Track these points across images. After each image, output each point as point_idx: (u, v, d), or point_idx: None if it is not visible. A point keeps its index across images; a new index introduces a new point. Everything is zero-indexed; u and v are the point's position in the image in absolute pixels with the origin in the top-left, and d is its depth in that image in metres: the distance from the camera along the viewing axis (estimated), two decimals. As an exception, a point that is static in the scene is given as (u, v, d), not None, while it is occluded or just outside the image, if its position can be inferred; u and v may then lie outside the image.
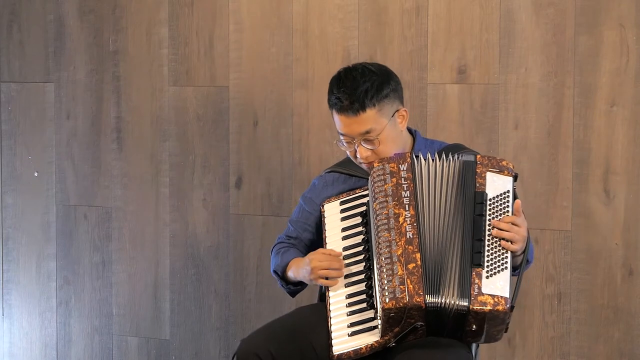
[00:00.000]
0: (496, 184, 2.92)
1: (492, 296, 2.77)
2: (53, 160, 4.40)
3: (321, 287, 3.22)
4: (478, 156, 2.95)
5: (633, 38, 3.56)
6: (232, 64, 4.09)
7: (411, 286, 2.79)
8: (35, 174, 4.44)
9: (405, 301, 2.77)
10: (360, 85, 3.00)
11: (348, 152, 3.13)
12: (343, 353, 2.89)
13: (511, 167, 2.96)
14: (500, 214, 2.88)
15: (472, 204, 2.88)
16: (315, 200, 3.21)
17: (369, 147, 3.04)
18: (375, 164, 3.00)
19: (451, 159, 2.96)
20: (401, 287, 2.78)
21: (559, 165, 3.67)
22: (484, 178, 2.91)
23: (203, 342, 4.21)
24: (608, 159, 3.62)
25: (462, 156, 2.97)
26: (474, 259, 2.81)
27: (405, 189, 2.93)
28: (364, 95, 3.00)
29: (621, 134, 3.60)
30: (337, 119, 3.05)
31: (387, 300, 2.78)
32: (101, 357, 4.38)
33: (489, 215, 2.87)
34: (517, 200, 2.90)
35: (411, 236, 2.86)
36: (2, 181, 4.51)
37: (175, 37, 4.17)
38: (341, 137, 3.08)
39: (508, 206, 2.90)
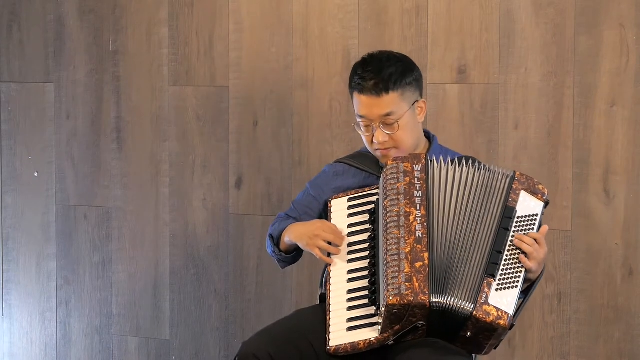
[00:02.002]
0: (527, 205, 2.92)
1: (497, 309, 2.77)
2: (53, 160, 4.40)
3: (321, 286, 3.22)
4: (517, 173, 2.95)
5: (633, 38, 3.56)
6: (232, 64, 4.09)
7: (417, 284, 2.78)
8: (35, 174, 4.44)
9: (410, 299, 2.77)
10: (385, 69, 3.06)
11: (364, 138, 3.13)
12: (340, 346, 2.88)
13: (546, 192, 2.96)
14: (523, 234, 2.89)
15: (500, 215, 2.88)
16: (322, 187, 3.21)
17: (387, 131, 3.06)
18: (389, 162, 3.00)
19: (480, 167, 2.96)
20: (407, 284, 2.78)
21: (559, 165, 3.67)
22: (518, 195, 2.91)
23: (203, 342, 4.21)
24: (608, 159, 3.62)
25: (497, 167, 2.97)
26: (488, 268, 2.81)
27: (417, 189, 2.93)
28: (389, 78, 3.05)
29: (621, 134, 3.60)
30: (358, 101, 3.08)
31: (392, 296, 2.77)
32: (101, 357, 4.38)
33: (513, 231, 2.87)
34: (544, 226, 2.91)
35: (420, 235, 2.86)
36: (2, 181, 4.51)
37: (175, 37, 4.17)
38: (359, 121, 3.10)
39: (533, 229, 2.89)
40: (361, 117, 3.08)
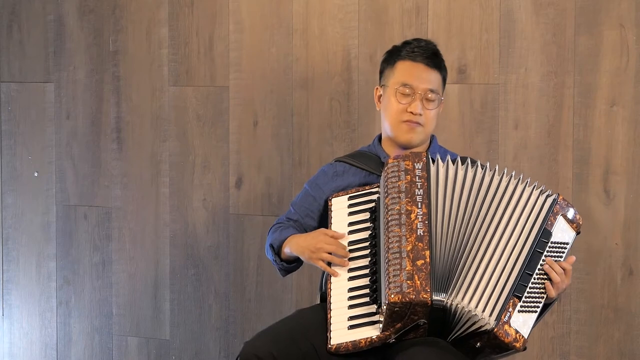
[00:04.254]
0: (561, 230, 2.91)
1: (516, 331, 2.78)
2: (53, 160, 4.40)
3: (321, 286, 3.22)
4: (561, 197, 2.93)
5: (633, 38, 3.56)
6: (232, 64, 4.09)
7: (418, 282, 2.78)
8: (35, 174, 4.44)
9: (411, 297, 2.77)
10: (437, 51, 3.21)
11: (396, 107, 3.13)
12: (341, 344, 2.88)
13: (581, 222, 2.95)
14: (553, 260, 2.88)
15: (535, 235, 2.86)
16: (322, 187, 3.21)
17: (427, 107, 3.12)
18: (390, 161, 3.00)
19: (486, 169, 2.97)
20: (408, 282, 2.78)
21: (559, 165, 3.67)
22: (556, 219, 2.90)
23: (203, 342, 4.21)
24: (608, 159, 3.62)
25: (535, 184, 2.95)
26: (516, 288, 2.80)
27: (419, 187, 2.93)
28: (441, 58, 3.19)
29: (621, 134, 3.60)
30: (408, 69, 3.14)
31: (393, 294, 2.78)
32: (101, 357, 4.38)
33: (544, 255, 2.86)
34: (572, 257, 2.91)
35: (422, 233, 2.85)
36: (2, 181, 4.51)
37: (175, 37, 4.17)
38: (400, 88, 3.13)
39: (562, 258, 2.89)
40: (406, 85, 3.12)
